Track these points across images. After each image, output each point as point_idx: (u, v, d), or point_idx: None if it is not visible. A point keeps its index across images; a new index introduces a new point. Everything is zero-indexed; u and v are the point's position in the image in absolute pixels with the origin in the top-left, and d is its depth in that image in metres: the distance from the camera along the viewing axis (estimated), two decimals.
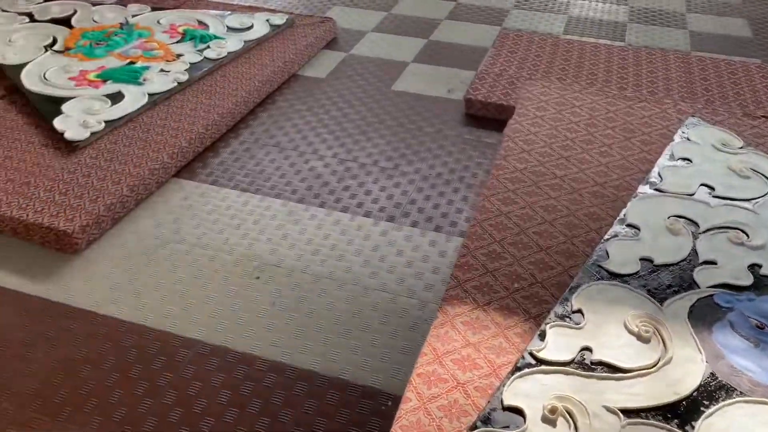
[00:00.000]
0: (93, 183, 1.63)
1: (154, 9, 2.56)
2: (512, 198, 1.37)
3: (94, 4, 2.56)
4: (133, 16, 2.48)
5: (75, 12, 2.48)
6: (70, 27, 2.37)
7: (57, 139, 1.79)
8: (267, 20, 2.53)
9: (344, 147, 1.94)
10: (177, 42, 2.32)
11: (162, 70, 2.12)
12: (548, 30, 2.76)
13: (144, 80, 2.05)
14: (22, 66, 2.08)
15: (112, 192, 1.60)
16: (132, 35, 2.32)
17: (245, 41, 2.36)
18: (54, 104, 1.90)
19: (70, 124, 1.81)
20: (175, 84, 2.06)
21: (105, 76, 2.05)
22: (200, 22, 2.48)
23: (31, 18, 2.41)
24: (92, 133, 1.78)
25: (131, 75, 2.06)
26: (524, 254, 1.22)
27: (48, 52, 2.18)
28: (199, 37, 2.33)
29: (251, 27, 2.47)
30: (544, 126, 1.63)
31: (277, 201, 1.70)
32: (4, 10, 2.45)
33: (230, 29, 2.45)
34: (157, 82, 2.05)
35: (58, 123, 1.81)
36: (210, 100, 2.02)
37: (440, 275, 1.46)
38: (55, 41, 2.26)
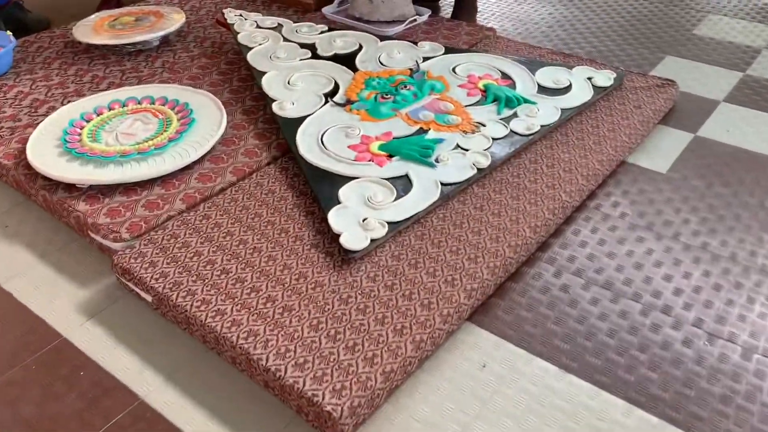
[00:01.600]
0: (369, 325, 1.21)
1: (448, 51, 2.10)
2: None
3: (381, 38, 2.18)
4: (425, 59, 2.05)
5: (360, 48, 2.12)
6: (353, 68, 2.00)
7: (329, 238, 1.41)
8: (589, 79, 1.95)
9: (714, 310, 1.31)
10: (476, 103, 1.84)
11: (458, 147, 1.66)
12: None
13: (437, 161, 1.60)
14: (299, 121, 1.75)
15: (393, 349, 1.16)
16: (424, 87, 1.89)
17: (562, 109, 1.81)
18: (330, 184, 1.52)
19: (347, 221, 1.41)
20: (474, 171, 1.57)
21: (391, 150, 1.64)
22: (504, 75, 1.97)
23: (313, 52, 2.09)
24: (372, 241, 1.37)
25: (423, 151, 1.62)
26: None
27: (328, 104, 1.83)
28: (504, 98, 1.83)
29: (569, 88, 1.91)
30: None
31: (621, 404, 1.13)
32: (286, 39, 2.16)
33: (541, 88, 1.91)
34: (452, 165, 1.59)
35: (333, 218, 1.42)
36: (518, 202, 1.51)
37: None
38: (336, 88, 1.90)
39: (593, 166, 1.63)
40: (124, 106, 1.84)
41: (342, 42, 2.13)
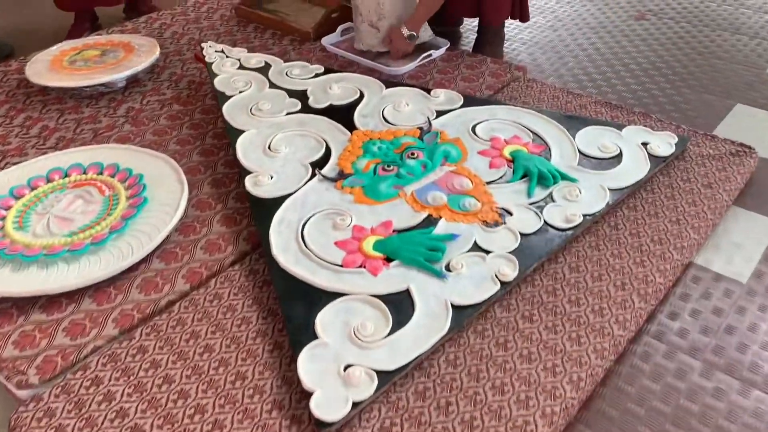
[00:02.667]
0: None
1: (467, 102, 1.72)
2: None
3: (387, 83, 1.80)
4: (438, 114, 1.67)
5: (360, 97, 1.74)
6: (351, 126, 1.63)
7: (298, 391, 1.05)
8: (644, 145, 1.55)
9: None
10: (500, 178, 1.46)
11: (476, 246, 1.28)
12: None
13: (448, 269, 1.23)
14: (277, 203, 1.39)
15: None
16: (435, 155, 1.51)
17: (610, 190, 1.42)
18: (306, 305, 1.16)
19: (322, 370, 1.05)
20: (497, 287, 1.20)
21: (390, 251, 1.27)
22: (536, 137, 1.58)
23: (304, 103, 1.72)
24: (354, 405, 1.00)
25: (430, 255, 1.25)
26: None
27: (316, 178, 1.46)
28: (536, 174, 1.44)
29: (618, 157, 1.52)
30: None
31: None
32: (272, 84, 1.80)
33: (583, 157, 1.52)
34: (468, 276, 1.22)
35: (305, 366, 1.05)
36: (555, 337, 1.14)
37: None
38: (327, 154, 1.54)
39: (653, 279, 1.25)
40: (66, 176, 1.50)
41: (339, 89, 1.76)
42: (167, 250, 1.33)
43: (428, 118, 1.64)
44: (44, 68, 1.91)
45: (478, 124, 1.63)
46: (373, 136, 1.58)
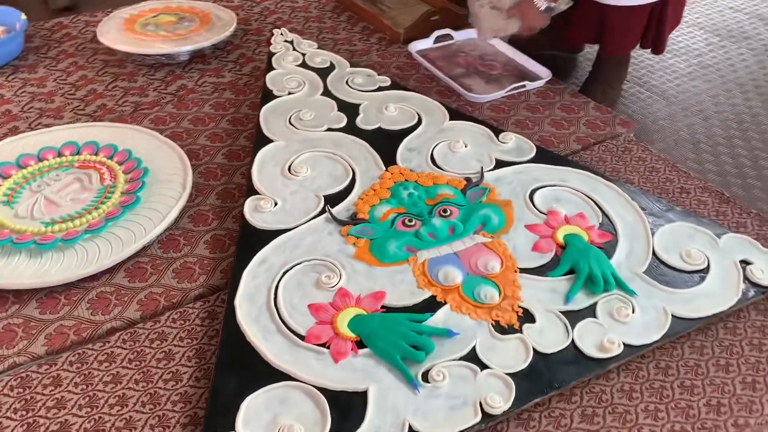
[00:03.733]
0: None
1: (540, 155, 1.42)
2: None
3: (454, 114, 1.55)
4: (498, 164, 1.39)
5: (417, 124, 1.50)
6: (392, 159, 1.40)
7: None
8: (744, 264, 1.19)
9: None
10: (539, 267, 1.17)
11: (472, 357, 1.02)
12: None
13: (425, 378, 0.98)
14: (269, 238, 1.20)
15: None
16: (471, 219, 1.25)
17: (674, 318, 1.09)
18: (238, 379, 0.98)
19: None
20: (477, 419, 0.94)
21: (364, 334, 1.04)
22: (606, 221, 1.27)
23: (351, 119, 1.51)
24: None
25: (411, 353, 1.01)
26: None
27: (322, 216, 1.25)
28: (585, 275, 1.14)
29: (704, 272, 1.18)
30: None
31: None
32: (326, 91, 1.60)
33: (658, 262, 1.19)
34: (446, 395, 0.97)
35: None
36: None
37: None
38: (350, 187, 1.32)
39: None
40: (78, 153, 1.40)
41: (396, 111, 1.53)
42: (138, 263, 1.19)
43: (481, 169, 1.37)
44: (117, 27, 1.85)
45: (540, 188, 1.33)
46: (409, 177, 1.34)
